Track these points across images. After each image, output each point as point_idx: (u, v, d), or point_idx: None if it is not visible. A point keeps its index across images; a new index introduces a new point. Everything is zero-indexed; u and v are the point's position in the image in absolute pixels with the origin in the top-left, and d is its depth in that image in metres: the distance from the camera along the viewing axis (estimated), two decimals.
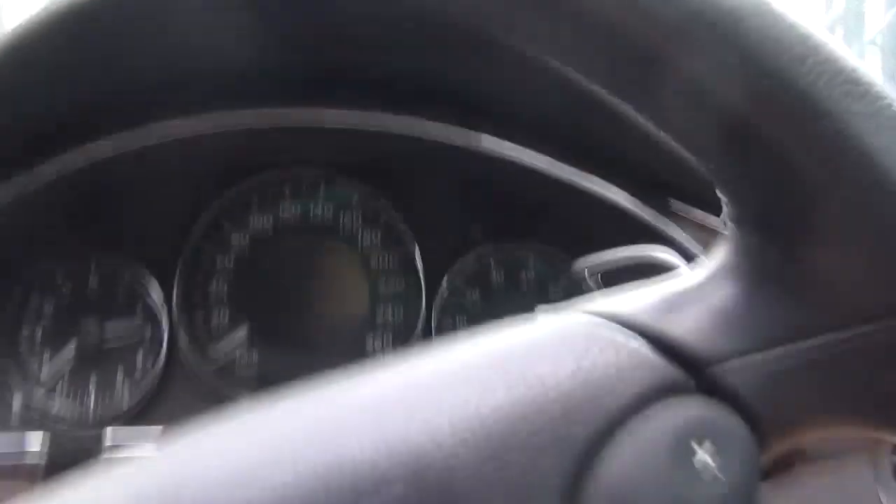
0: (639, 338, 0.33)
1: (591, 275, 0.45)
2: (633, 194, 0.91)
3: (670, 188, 0.90)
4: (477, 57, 0.83)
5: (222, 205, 1.02)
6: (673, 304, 0.35)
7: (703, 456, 0.32)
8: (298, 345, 1.02)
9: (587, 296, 0.36)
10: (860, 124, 0.30)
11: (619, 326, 0.34)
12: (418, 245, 1.03)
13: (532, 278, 1.05)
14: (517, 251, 1.05)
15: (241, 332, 1.01)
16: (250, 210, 1.03)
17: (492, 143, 0.97)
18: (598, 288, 0.45)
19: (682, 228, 0.89)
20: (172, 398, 0.99)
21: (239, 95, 0.93)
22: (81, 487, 0.29)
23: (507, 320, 0.36)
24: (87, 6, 0.75)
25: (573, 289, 1.03)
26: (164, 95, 0.91)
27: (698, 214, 0.90)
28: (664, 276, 0.38)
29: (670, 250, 0.46)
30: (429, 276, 1.03)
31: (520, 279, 1.05)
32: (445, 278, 1.03)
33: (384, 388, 0.33)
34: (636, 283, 0.37)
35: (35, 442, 0.82)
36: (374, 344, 1.03)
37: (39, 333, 0.99)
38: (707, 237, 0.88)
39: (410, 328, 1.03)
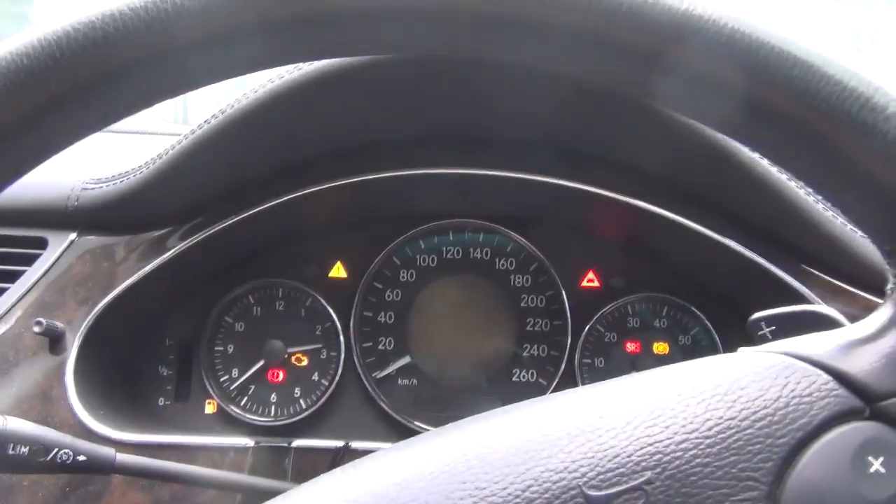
0: (826, 374, 0.44)
1: (767, 326, 0.55)
2: (765, 256, 1.00)
3: (799, 252, 1.00)
4: (638, 126, 0.94)
5: (394, 247, 1.15)
6: (851, 348, 0.45)
7: (877, 467, 0.42)
8: (453, 373, 1.15)
9: (784, 340, 0.46)
10: None
11: (810, 365, 0.44)
12: (564, 292, 1.14)
13: (664, 327, 1.15)
14: (653, 302, 1.15)
15: (404, 360, 1.14)
16: (417, 251, 1.16)
17: (634, 201, 1.07)
18: (771, 338, 0.55)
19: (808, 287, 0.98)
20: (342, 413, 1.13)
21: (410, 158, 1.07)
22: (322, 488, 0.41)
23: (715, 357, 0.47)
24: (305, 83, 0.91)
25: (701, 338, 1.13)
26: (350, 158, 1.05)
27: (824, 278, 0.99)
28: (827, 329, 0.48)
29: (834, 310, 0.55)
30: (574, 320, 1.14)
31: (653, 327, 1.15)
32: (590, 324, 1.14)
33: (627, 397, 0.44)
34: (811, 333, 0.48)
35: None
36: (519, 376, 1.15)
37: (231, 350, 1.14)
38: (830, 296, 0.96)
39: (555, 365, 1.14)
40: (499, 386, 1.15)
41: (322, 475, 0.44)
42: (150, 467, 0.74)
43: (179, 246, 1.03)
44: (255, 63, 0.44)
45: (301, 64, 0.92)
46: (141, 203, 1.02)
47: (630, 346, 1.14)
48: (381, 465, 0.43)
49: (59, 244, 1.03)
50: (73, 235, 1.04)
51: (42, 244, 1.04)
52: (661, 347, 1.15)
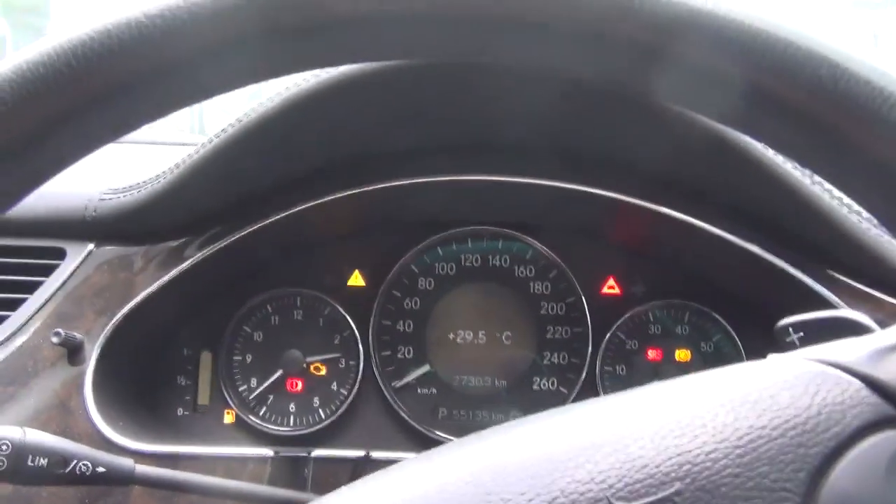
0: (858, 381, 0.42)
1: (795, 332, 0.53)
2: (788, 261, 0.99)
3: (823, 257, 0.98)
4: (653, 128, 0.93)
5: (412, 255, 1.15)
6: (884, 355, 0.44)
7: None
8: (472, 382, 1.14)
9: (814, 347, 0.45)
10: None
11: (841, 371, 0.43)
12: (585, 299, 1.13)
13: (685, 334, 1.14)
14: (674, 309, 1.13)
15: (423, 368, 1.13)
16: (436, 259, 1.16)
17: (656, 207, 1.06)
18: (799, 345, 0.54)
19: (833, 293, 0.96)
20: (361, 422, 1.12)
21: (426, 166, 1.06)
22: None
23: (743, 364, 0.46)
24: (321, 92, 0.90)
25: (723, 344, 1.12)
26: (365, 166, 1.05)
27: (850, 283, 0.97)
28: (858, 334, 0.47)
29: (864, 315, 0.54)
30: (594, 327, 1.13)
31: (674, 334, 1.14)
32: (610, 331, 1.12)
33: (655, 405, 0.43)
34: (840, 339, 0.46)
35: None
36: (540, 385, 1.14)
37: (250, 359, 1.13)
38: (856, 301, 0.95)
39: (576, 373, 1.13)
40: (519, 394, 1.14)
41: (343, 487, 0.43)
42: (169, 478, 0.74)
43: (197, 256, 1.03)
44: (269, 71, 0.43)
45: (316, 72, 0.91)
46: (158, 213, 1.02)
47: (651, 354, 1.13)
48: (404, 477, 0.42)
49: (77, 255, 1.03)
50: (90, 246, 1.04)
51: (60, 255, 1.04)
52: (683, 354, 1.13)
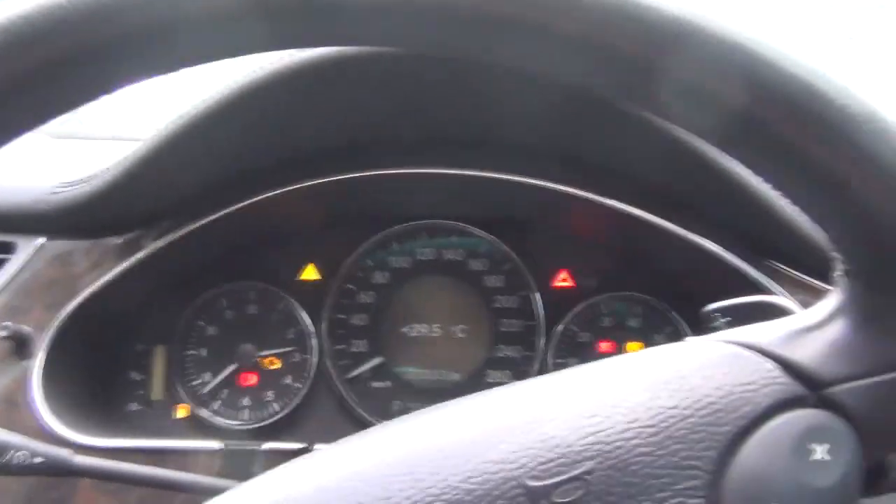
0: (771, 361, 0.43)
1: (721, 316, 0.54)
2: (736, 254, 1.00)
3: (766, 248, 0.99)
4: (610, 128, 0.94)
5: (367, 248, 1.15)
6: (797, 336, 0.45)
7: (819, 455, 0.41)
8: (427, 375, 1.14)
9: (731, 330, 0.46)
10: None
11: (755, 352, 0.44)
12: (538, 292, 1.14)
13: (638, 326, 1.15)
14: (626, 301, 1.15)
15: (377, 361, 1.13)
16: (391, 253, 1.16)
17: (609, 201, 1.07)
18: (726, 328, 0.55)
19: (775, 282, 0.98)
20: (315, 416, 1.12)
21: (382, 158, 1.06)
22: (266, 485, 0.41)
23: (660, 346, 0.46)
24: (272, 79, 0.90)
25: (675, 337, 1.13)
26: (322, 158, 1.05)
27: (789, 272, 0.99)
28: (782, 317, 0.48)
29: (789, 299, 0.55)
30: (547, 320, 1.13)
31: (627, 327, 1.15)
32: (562, 324, 1.13)
33: (571, 388, 0.44)
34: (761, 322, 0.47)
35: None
36: (494, 377, 1.14)
37: (204, 353, 1.13)
38: (800, 291, 0.96)
39: (529, 366, 1.13)
40: (473, 387, 1.12)
41: (264, 473, 0.43)
42: (109, 469, 0.74)
43: (149, 249, 1.03)
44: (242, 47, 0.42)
45: (268, 61, 0.91)
46: (109, 206, 1.02)
47: (604, 346, 1.14)
48: (324, 461, 0.43)
49: (27, 248, 1.03)
50: (42, 240, 1.03)
51: (10, 249, 1.03)
52: (635, 347, 1.14)
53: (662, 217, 1.02)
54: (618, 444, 0.41)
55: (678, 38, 0.37)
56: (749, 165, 0.43)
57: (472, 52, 0.40)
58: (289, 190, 1.04)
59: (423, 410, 0.46)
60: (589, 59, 0.39)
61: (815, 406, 0.43)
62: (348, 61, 0.91)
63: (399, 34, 0.39)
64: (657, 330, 1.14)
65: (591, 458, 0.41)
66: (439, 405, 0.46)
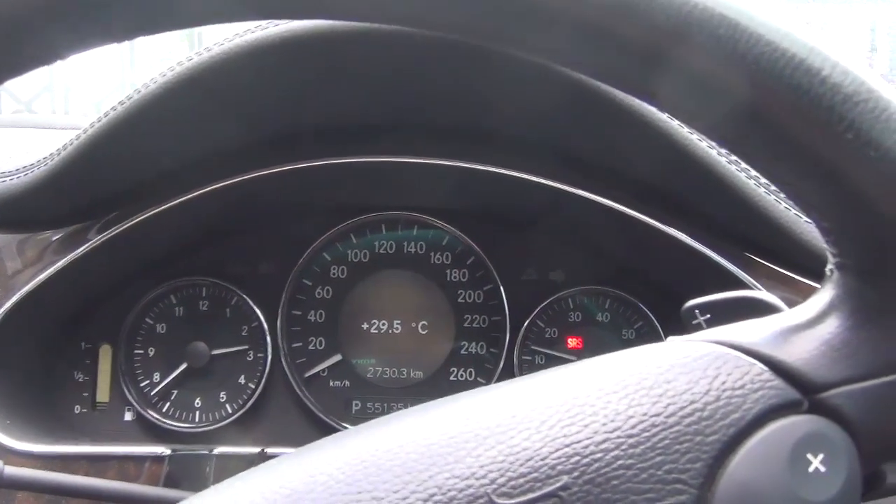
0: (760, 364, 0.39)
1: (702, 314, 0.51)
2: (709, 245, 0.97)
3: (746, 243, 0.96)
4: (592, 122, 0.90)
5: (324, 241, 1.10)
6: (787, 336, 0.41)
7: (817, 465, 0.38)
8: (387, 373, 1.10)
9: (716, 328, 0.42)
10: None
11: (743, 354, 0.40)
12: (503, 286, 1.10)
13: (607, 321, 1.11)
14: (595, 295, 1.11)
15: (335, 359, 1.08)
16: (348, 246, 1.11)
17: (577, 191, 1.03)
18: (706, 327, 0.51)
19: (754, 278, 0.94)
20: (270, 417, 1.07)
21: (338, 147, 1.01)
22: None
23: (641, 347, 0.42)
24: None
25: (646, 331, 1.10)
26: (274, 147, 0.99)
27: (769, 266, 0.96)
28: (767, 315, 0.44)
29: (772, 295, 0.52)
30: (513, 315, 1.09)
31: (595, 321, 1.11)
32: (529, 319, 1.09)
33: (544, 394, 0.40)
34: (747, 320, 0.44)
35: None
36: (457, 375, 1.10)
37: (153, 353, 1.07)
38: (777, 285, 0.93)
39: (494, 362, 1.09)
40: (436, 386, 1.10)
41: (211, 486, 0.39)
42: (39, 480, 0.68)
43: (92, 242, 0.97)
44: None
45: (216, 42, 0.86)
46: (48, 198, 0.95)
47: (572, 342, 1.10)
48: (273, 475, 0.38)
49: None
50: None
51: None
52: (604, 343, 1.11)
53: (632, 207, 0.98)
54: (596, 455, 0.37)
55: (686, 25, 0.35)
56: (742, 152, 0.40)
57: (477, 37, 0.38)
58: (241, 180, 0.98)
59: (381, 419, 0.41)
60: (597, 47, 0.37)
61: (809, 412, 0.39)
62: (305, 41, 0.85)
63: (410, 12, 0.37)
64: (627, 324, 1.11)
65: (567, 472, 0.36)
66: (400, 412, 0.41)
